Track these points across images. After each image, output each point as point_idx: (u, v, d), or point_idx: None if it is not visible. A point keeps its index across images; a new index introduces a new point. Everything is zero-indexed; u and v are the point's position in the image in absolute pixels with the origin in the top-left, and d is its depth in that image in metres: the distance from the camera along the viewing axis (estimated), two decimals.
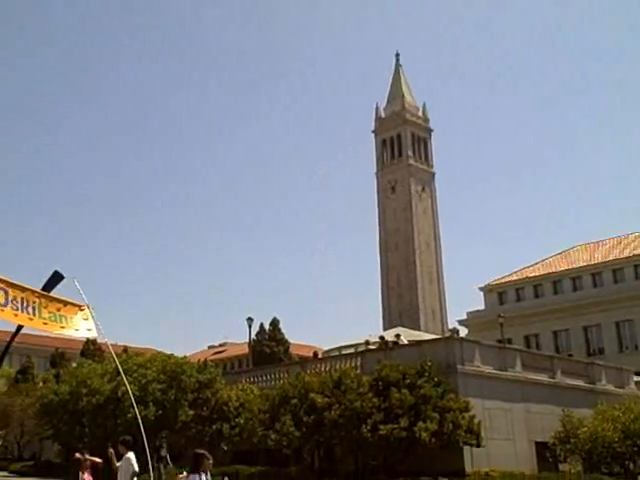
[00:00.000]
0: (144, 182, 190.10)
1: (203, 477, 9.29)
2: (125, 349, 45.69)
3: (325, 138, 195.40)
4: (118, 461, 12.84)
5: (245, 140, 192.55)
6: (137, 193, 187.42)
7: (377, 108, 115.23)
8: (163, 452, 23.56)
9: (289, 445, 24.51)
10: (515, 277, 62.96)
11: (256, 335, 68.74)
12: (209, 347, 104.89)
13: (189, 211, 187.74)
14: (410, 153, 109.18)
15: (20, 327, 21.22)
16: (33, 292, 17.84)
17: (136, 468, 12.49)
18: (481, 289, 63.71)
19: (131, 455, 12.74)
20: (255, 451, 27.52)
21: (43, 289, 19.12)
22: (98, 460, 10.69)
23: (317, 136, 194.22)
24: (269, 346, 72.42)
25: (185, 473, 9.38)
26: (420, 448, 22.62)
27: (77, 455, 10.86)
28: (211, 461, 9.58)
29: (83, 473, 10.54)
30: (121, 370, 21.71)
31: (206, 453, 9.60)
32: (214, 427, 28.78)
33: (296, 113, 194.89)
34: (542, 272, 61.30)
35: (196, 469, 9.28)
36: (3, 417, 39.02)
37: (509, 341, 45.71)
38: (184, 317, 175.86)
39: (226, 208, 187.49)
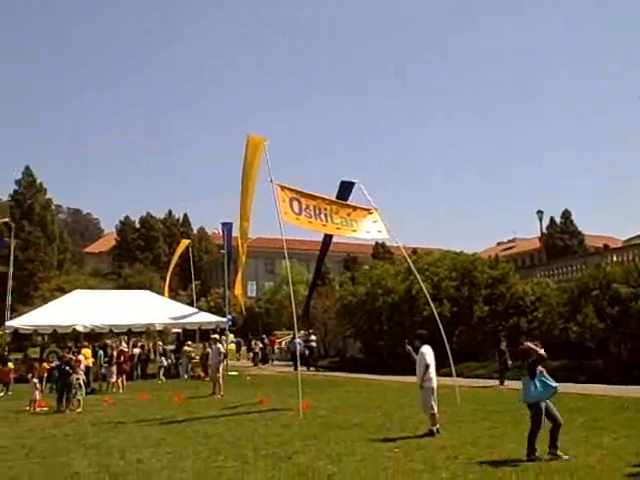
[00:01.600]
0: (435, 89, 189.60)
1: None
2: (414, 250, 46.37)
3: None
4: (416, 354, 13.07)
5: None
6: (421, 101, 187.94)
7: None
8: (502, 345, 23.01)
9: (593, 337, 23.40)
10: None
11: (546, 229, 66.53)
12: (497, 244, 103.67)
13: (465, 103, 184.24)
14: None
15: (330, 237, 22.22)
16: (323, 200, 18.56)
17: (428, 361, 12.61)
18: None
19: (425, 349, 12.86)
20: (555, 344, 26.72)
21: (338, 198, 19.82)
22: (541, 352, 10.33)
23: None
24: (561, 239, 69.88)
25: None
26: None
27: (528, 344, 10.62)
28: None
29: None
30: (414, 269, 22.04)
31: None
32: (511, 322, 28.34)
33: None
34: None
35: None
36: (309, 318, 41.73)
37: None
38: (470, 215, 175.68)
39: (510, 91, 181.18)
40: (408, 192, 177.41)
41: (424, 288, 21.26)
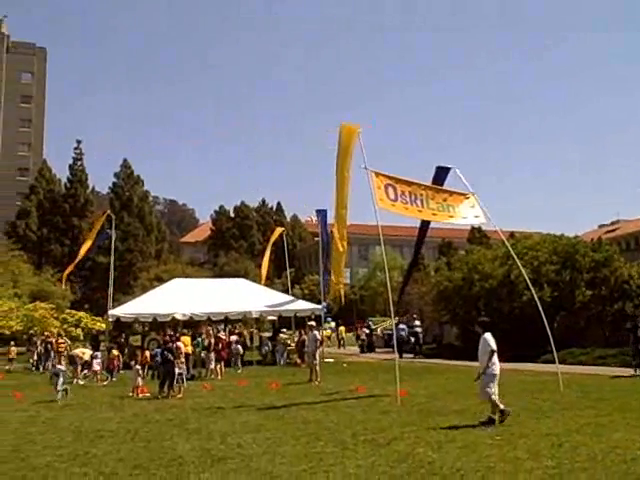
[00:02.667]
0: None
1: None
2: (512, 234, 45.36)
3: None
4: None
5: None
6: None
7: None
8: None
9: None
10: None
11: None
12: (599, 226, 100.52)
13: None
14: None
15: (427, 223, 21.82)
16: (419, 185, 18.30)
17: (493, 346, 12.37)
18: None
19: (487, 335, 12.65)
20: None
21: (434, 184, 19.47)
22: None
23: None
24: None
25: None
26: None
27: None
28: None
29: None
30: (513, 253, 21.52)
31: None
32: (615, 306, 27.32)
33: None
34: None
35: None
36: (402, 304, 41.34)
37: None
38: (571, 197, 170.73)
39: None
40: (505, 175, 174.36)
41: (524, 272, 20.71)
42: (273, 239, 43.14)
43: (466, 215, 18.49)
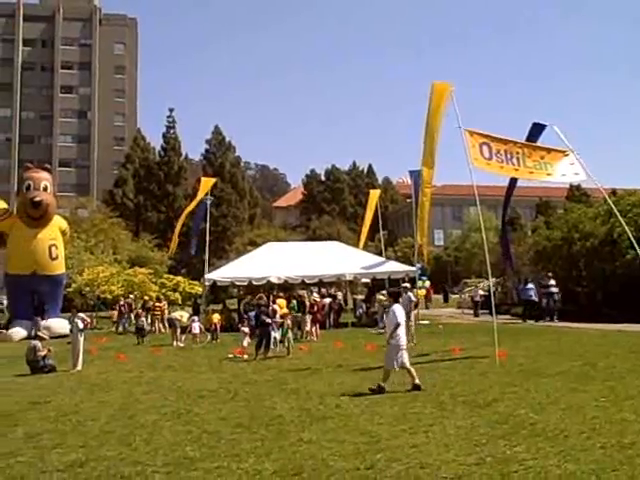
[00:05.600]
0: None
1: None
2: (614, 191, 43.63)
3: None
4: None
5: None
6: None
7: None
8: None
9: None
10: None
11: None
12: None
13: None
14: None
15: (515, 181, 21.19)
16: (515, 143, 17.78)
17: (399, 320, 12.18)
18: None
19: (396, 307, 12.50)
20: None
21: (527, 141, 18.86)
22: None
23: None
24: None
25: None
26: None
27: None
28: None
29: None
30: (615, 211, 20.71)
31: None
32: None
33: None
34: None
35: None
36: (496, 264, 40.14)
37: None
38: None
39: None
40: (604, 130, 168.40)
41: (627, 230, 19.88)
42: (373, 203, 41.66)
43: (565, 172, 17.86)
